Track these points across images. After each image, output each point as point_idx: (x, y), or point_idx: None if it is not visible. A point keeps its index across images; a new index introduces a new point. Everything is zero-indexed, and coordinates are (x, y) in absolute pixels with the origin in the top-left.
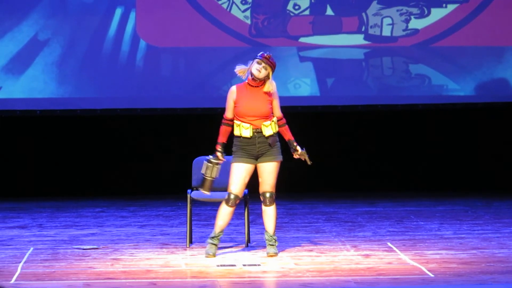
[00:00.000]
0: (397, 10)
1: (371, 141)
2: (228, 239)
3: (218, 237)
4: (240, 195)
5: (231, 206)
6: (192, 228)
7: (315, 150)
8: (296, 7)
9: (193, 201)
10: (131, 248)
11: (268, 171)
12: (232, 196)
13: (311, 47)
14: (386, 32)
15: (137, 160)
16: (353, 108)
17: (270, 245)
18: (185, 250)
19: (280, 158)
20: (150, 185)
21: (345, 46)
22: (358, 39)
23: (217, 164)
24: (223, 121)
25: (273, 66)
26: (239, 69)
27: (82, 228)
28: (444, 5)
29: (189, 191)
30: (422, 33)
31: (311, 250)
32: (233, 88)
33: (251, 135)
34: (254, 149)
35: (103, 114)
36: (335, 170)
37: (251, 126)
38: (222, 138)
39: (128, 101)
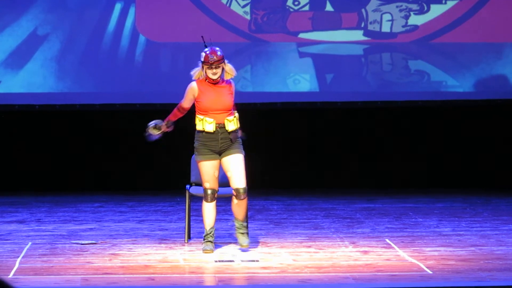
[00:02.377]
0: (397, 6)
1: (370, 137)
2: (227, 235)
3: (211, 234)
4: (216, 189)
5: (211, 201)
6: (191, 223)
7: (313, 146)
8: (296, 3)
9: (192, 197)
10: (129, 243)
11: (235, 164)
12: (209, 192)
13: (311, 43)
14: (386, 28)
15: (136, 155)
16: (352, 104)
17: (241, 233)
18: (184, 245)
19: (243, 152)
20: (148, 180)
21: (344, 42)
22: (357, 35)
23: (157, 128)
24: (178, 106)
25: (222, 59)
26: (195, 74)
27: (81, 223)
28: (443, 1)
29: (187, 186)
30: (422, 29)
31: (309, 246)
32: (194, 84)
33: (214, 130)
34: (217, 145)
35: (102, 109)
36: (334, 166)
37: (215, 121)
38: (171, 117)
39: (127, 96)
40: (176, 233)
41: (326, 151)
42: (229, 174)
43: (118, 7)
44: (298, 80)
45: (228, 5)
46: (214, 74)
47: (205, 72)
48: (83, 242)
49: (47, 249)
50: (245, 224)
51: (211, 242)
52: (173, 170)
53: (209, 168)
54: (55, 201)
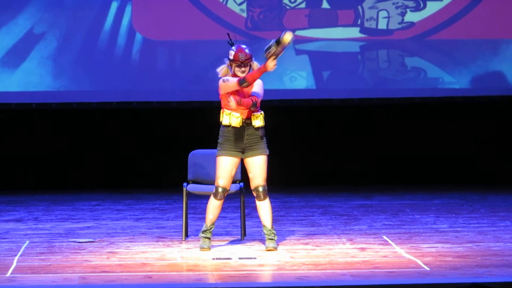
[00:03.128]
0: (393, 3)
1: (366, 134)
2: (224, 233)
3: (210, 230)
4: (228, 188)
5: (219, 200)
6: (188, 221)
7: (311, 143)
8: (292, 0)
9: (189, 195)
10: (127, 241)
11: (258, 165)
12: (220, 190)
13: (307, 40)
14: (382, 25)
15: (133, 153)
16: (349, 101)
17: (270, 239)
18: (181, 243)
19: (267, 152)
20: (145, 178)
21: (341, 39)
22: (354, 32)
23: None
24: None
25: (251, 57)
26: (222, 72)
27: (78, 221)
28: None
29: (184, 184)
30: (418, 26)
31: (307, 244)
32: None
33: (241, 124)
34: (242, 141)
35: (99, 108)
36: (331, 164)
37: (241, 116)
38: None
39: (124, 94)
40: (173, 231)
41: (322, 148)
42: (250, 175)
43: (114, 5)
44: (295, 78)
45: (224, 3)
46: (243, 72)
47: (233, 70)
48: (80, 240)
49: (44, 247)
50: (273, 231)
51: (209, 239)
52: (170, 168)
53: (228, 165)
54: (53, 199)
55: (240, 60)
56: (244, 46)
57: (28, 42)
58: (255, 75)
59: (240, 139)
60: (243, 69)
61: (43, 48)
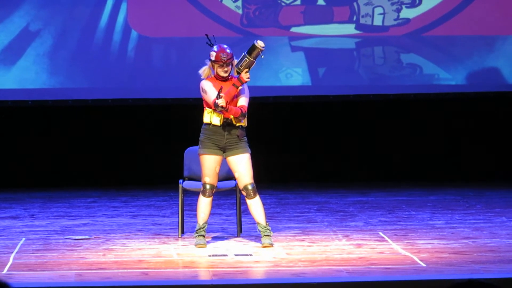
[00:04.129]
0: (388, 0)
1: (363, 131)
2: (220, 229)
3: (204, 228)
4: (215, 184)
5: (208, 197)
6: (184, 218)
7: (307, 140)
8: None
9: (185, 192)
10: (123, 238)
11: (242, 163)
12: (207, 187)
13: (303, 37)
14: (378, 21)
15: (129, 150)
16: (344, 97)
17: (265, 235)
18: (177, 240)
19: (249, 150)
20: (141, 175)
21: (336, 35)
22: (349, 28)
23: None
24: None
25: (232, 56)
26: (204, 73)
27: (74, 219)
28: None
29: (180, 181)
30: (414, 23)
31: (303, 240)
32: (207, 81)
33: (221, 123)
34: (222, 140)
35: (94, 105)
36: (326, 160)
37: (222, 115)
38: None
39: (119, 91)
40: (169, 228)
41: (318, 145)
42: (236, 175)
43: (110, 2)
44: (291, 74)
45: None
46: (226, 72)
47: (216, 70)
48: (76, 237)
49: (41, 244)
50: (268, 227)
51: (203, 236)
52: (166, 165)
53: (211, 163)
54: (49, 196)
55: (222, 60)
56: (225, 46)
57: (23, 39)
58: (231, 94)
59: (221, 138)
60: (225, 68)
61: (38, 45)
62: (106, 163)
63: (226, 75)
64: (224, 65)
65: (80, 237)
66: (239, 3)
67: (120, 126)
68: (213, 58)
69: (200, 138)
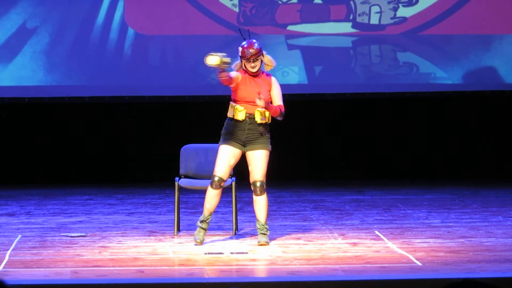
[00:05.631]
0: None
1: (359, 129)
2: (216, 227)
3: (207, 221)
4: (225, 178)
5: (215, 189)
6: (180, 216)
7: (303, 138)
8: None
9: (181, 189)
10: (118, 235)
11: (258, 159)
12: (216, 179)
13: (299, 35)
14: (374, 20)
15: (125, 147)
16: (341, 96)
17: (262, 234)
18: (173, 238)
19: (269, 147)
20: (138, 173)
21: (333, 34)
22: (346, 27)
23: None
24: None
25: (259, 51)
26: (236, 67)
27: (70, 216)
28: None
29: (177, 179)
30: (410, 21)
31: (298, 238)
32: (239, 74)
33: (244, 118)
34: (243, 134)
35: (91, 102)
36: (323, 158)
37: (245, 110)
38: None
39: (116, 89)
40: (165, 226)
41: (315, 143)
42: (250, 168)
43: (106, 0)
44: (287, 72)
45: None
46: (253, 67)
47: (244, 66)
48: (72, 234)
49: (36, 241)
50: (266, 226)
51: (204, 230)
52: (162, 163)
53: (226, 154)
54: (45, 193)
55: (246, 56)
56: (254, 41)
57: (20, 36)
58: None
59: (242, 132)
60: (252, 64)
61: (35, 42)
62: (102, 161)
63: (254, 70)
64: (251, 60)
65: (76, 234)
66: (236, 1)
67: (116, 123)
68: (239, 54)
69: (222, 131)
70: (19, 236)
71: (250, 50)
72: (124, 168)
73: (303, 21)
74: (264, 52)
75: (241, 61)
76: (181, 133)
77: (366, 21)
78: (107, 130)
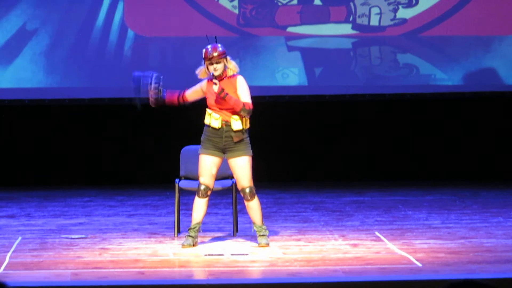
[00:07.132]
0: (385, 0)
1: (359, 131)
2: (216, 229)
3: (194, 229)
4: (211, 186)
5: (201, 197)
6: (180, 217)
7: (302, 139)
8: None
9: (181, 191)
10: (119, 237)
11: (240, 166)
12: (202, 187)
13: (299, 37)
14: (374, 21)
15: (125, 149)
16: (341, 97)
17: (261, 235)
18: (173, 239)
19: (250, 152)
20: (138, 175)
21: (333, 35)
22: (346, 28)
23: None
24: (182, 92)
25: (222, 54)
26: (200, 73)
27: (70, 218)
28: None
29: (177, 180)
30: (410, 23)
31: (299, 240)
32: (205, 80)
33: (219, 126)
34: (221, 142)
35: (91, 104)
36: (323, 160)
37: (221, 118)
38: (168, 95)
39: (116, 91)
40: (165, 227)
41: (315, 144)
42: (235, 176)
43: (106, 2)
44: (287, 74)
45: None
46: (215, 69)
47: (207, 69)
48: (73, 236)
49: (37, 243)
50: (264, 227)
51: (192, 237)
52: (162, 165)
53: (208, 163)
54: (45, 195)
55: (209, 57)
56: (218, 45)
57: (20, 38)
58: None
59: (219, 140)
60: (215, 66)
61: (35, 44)
62: (103, 162)
63: (216, 73)
64: (213, 61)
65: (76, 236)
66: (236, 3)
67: (116, 125)
68: (202, 55)
69: (201, 138)
70: (20, 238)
71: (213, 52)
72: (125, 170)
73: (303, 22)
74: (228, 57)
75: (205, 64)
76: (181, 135)
77: (366, 22)
78: (107, 131)
